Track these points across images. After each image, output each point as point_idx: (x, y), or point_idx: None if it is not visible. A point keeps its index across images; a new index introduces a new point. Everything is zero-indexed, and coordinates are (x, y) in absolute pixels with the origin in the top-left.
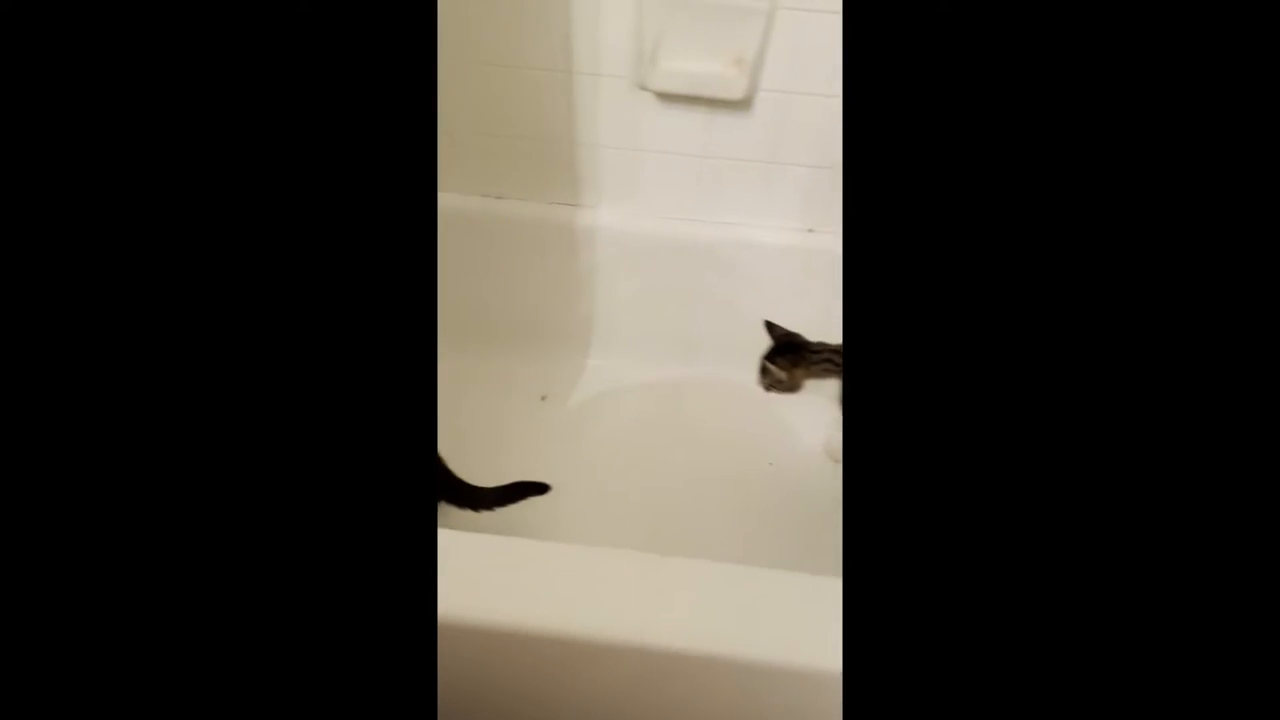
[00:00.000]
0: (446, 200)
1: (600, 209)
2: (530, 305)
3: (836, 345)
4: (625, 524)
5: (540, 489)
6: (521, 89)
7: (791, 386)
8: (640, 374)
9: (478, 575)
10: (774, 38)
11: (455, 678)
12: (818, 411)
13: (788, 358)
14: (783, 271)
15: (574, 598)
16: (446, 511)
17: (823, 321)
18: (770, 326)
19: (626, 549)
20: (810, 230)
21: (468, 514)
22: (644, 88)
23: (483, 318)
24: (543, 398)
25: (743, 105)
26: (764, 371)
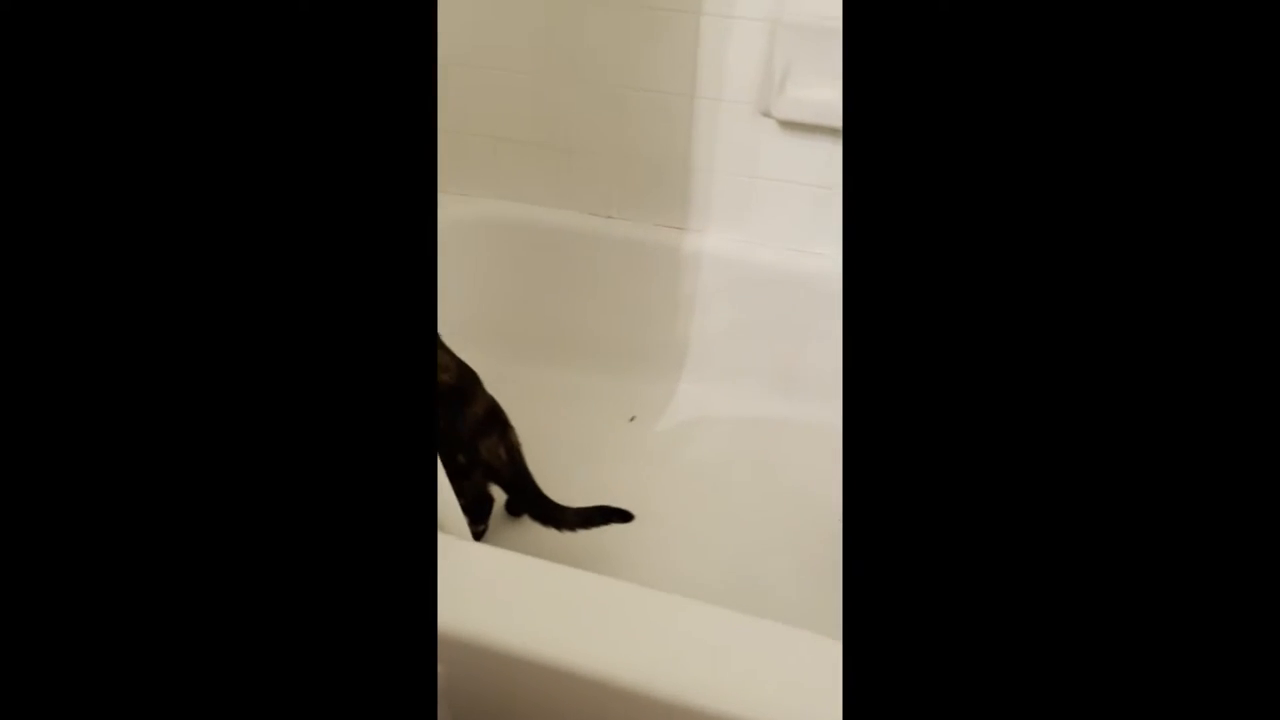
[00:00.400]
0: (557, 217)
1: (708, 234)
2: (629, 325)
3: None
4: (702, 562)
5: (624, 517)
6: (642, 111)
7: None
8: (735, 406)
9: (508, 596)
10: None
11: (463, 695)
12: None
13: None
14: None
15: (600, 634)
16: (528, 527)
17: None
18: None
19: (662, 591)
20: None
21: (549, 532)
22: (768, 115)
23: (580, 334)
24: (631, 419)
25: None
26: None
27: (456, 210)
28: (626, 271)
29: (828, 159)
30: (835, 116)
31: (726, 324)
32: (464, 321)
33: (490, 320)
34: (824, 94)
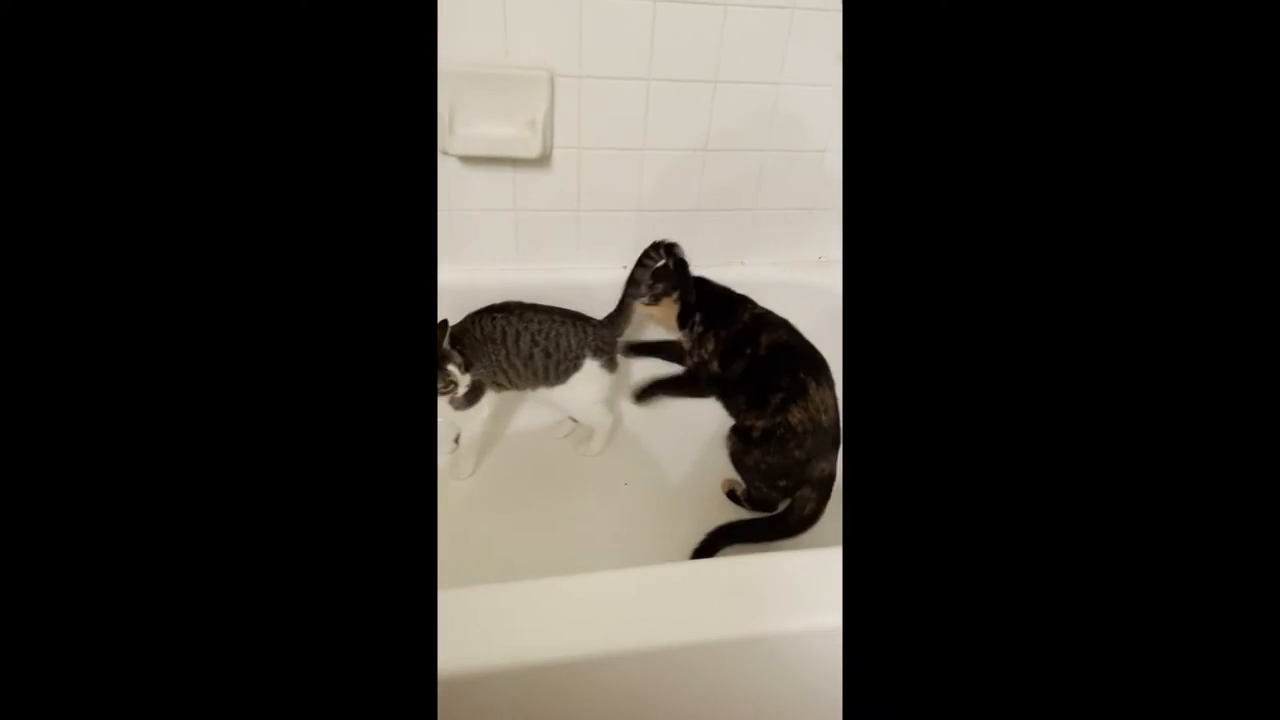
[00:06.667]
0: None
1: None
2: None
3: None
4: None
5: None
6: None
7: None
8: (505, 420)
9: (480, 624)
10: (559, 103)
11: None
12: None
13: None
14: (612, 304)
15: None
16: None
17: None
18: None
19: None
20: (624, 267)
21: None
22: (446, 153)
23: None
24: (625, 483)
25: (542, 162)
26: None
27: None
28: None
29: (511, 185)
30: (504, 148)
31: None
32: None
33: None
34: (489, 129)
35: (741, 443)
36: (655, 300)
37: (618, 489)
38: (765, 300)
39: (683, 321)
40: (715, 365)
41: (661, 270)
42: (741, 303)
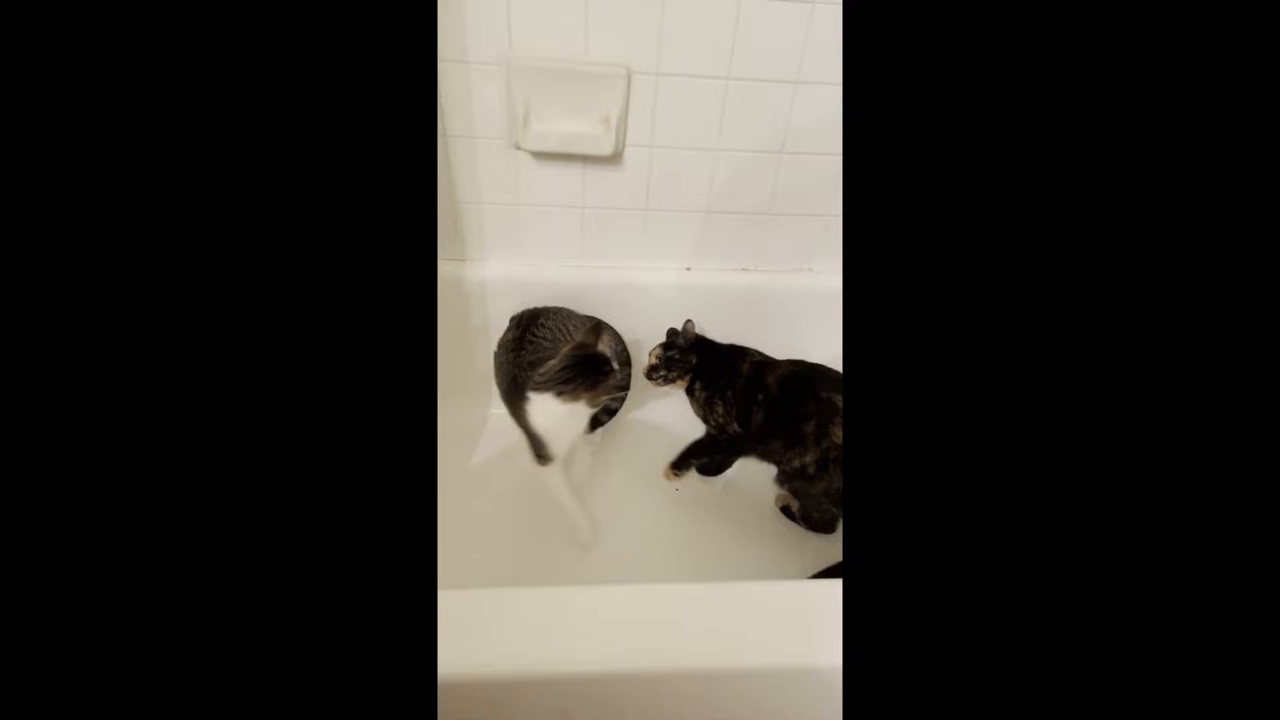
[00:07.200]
0: None
1: (488, 261)
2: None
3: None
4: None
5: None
6: None
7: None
8: None
9: (478, 630)
10: (634, 99)
11: None
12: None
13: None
14: (668, 306)
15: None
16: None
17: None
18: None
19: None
20: (688, 269)
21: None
22: (519, 148)
23: None
24: (676, 489)
25: (614, 159)
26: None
27: None
28: None
29: (580, 182)
30: (576, 145)
31: None
32: None
33: None
34: (563, 126)
35: (802, 482)
36: (666, 382)
37: (668, 494)
38: (831, 309)
39: (689, 390)
40: (734, 426)
41: (678, 357)
42: (740, 355)
